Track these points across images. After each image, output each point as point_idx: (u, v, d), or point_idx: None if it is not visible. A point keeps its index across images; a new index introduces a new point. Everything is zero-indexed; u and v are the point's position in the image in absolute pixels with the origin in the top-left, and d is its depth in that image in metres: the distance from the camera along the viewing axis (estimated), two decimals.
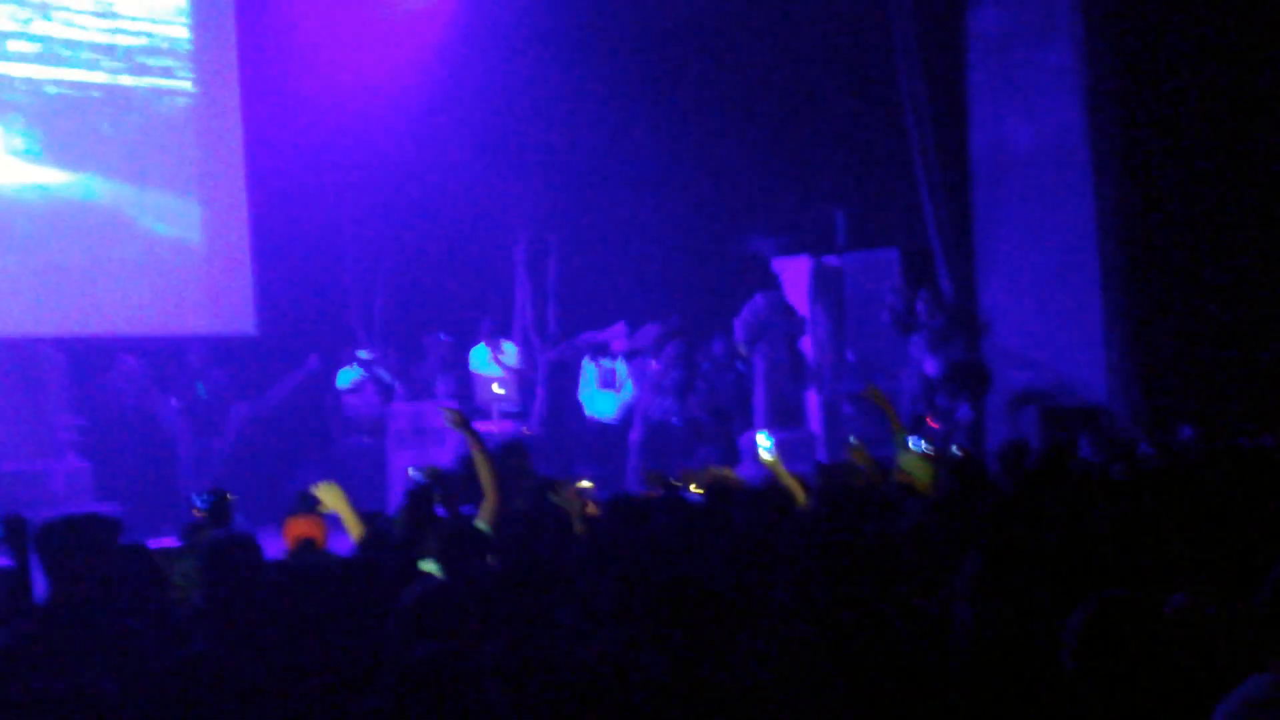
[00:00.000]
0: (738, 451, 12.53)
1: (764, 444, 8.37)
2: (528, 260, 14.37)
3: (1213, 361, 12.17)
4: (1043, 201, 12.80)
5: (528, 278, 14.35)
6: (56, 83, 11.98)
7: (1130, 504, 5.92)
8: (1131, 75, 12.28)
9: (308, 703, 3.50)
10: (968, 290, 13.21)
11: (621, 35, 14.01)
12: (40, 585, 4.23)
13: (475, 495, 6.48)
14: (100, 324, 11.92)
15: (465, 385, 13.16)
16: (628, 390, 13.36)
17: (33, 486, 10.50)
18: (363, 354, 12.90)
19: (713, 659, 3.90)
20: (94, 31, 12.20)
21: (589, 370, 13.60)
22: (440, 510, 6.31)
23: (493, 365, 13.30)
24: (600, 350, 13.58)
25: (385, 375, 12.84)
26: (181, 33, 12.68)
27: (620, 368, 13.46)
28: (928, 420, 11.96)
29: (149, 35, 12.49)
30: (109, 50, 12.25)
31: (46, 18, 11.97)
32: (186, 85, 12.67)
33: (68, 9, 12.08)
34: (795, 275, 13.90)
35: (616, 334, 13.54)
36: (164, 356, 12.28)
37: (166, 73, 12.59)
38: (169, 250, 12.47)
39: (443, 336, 13.27)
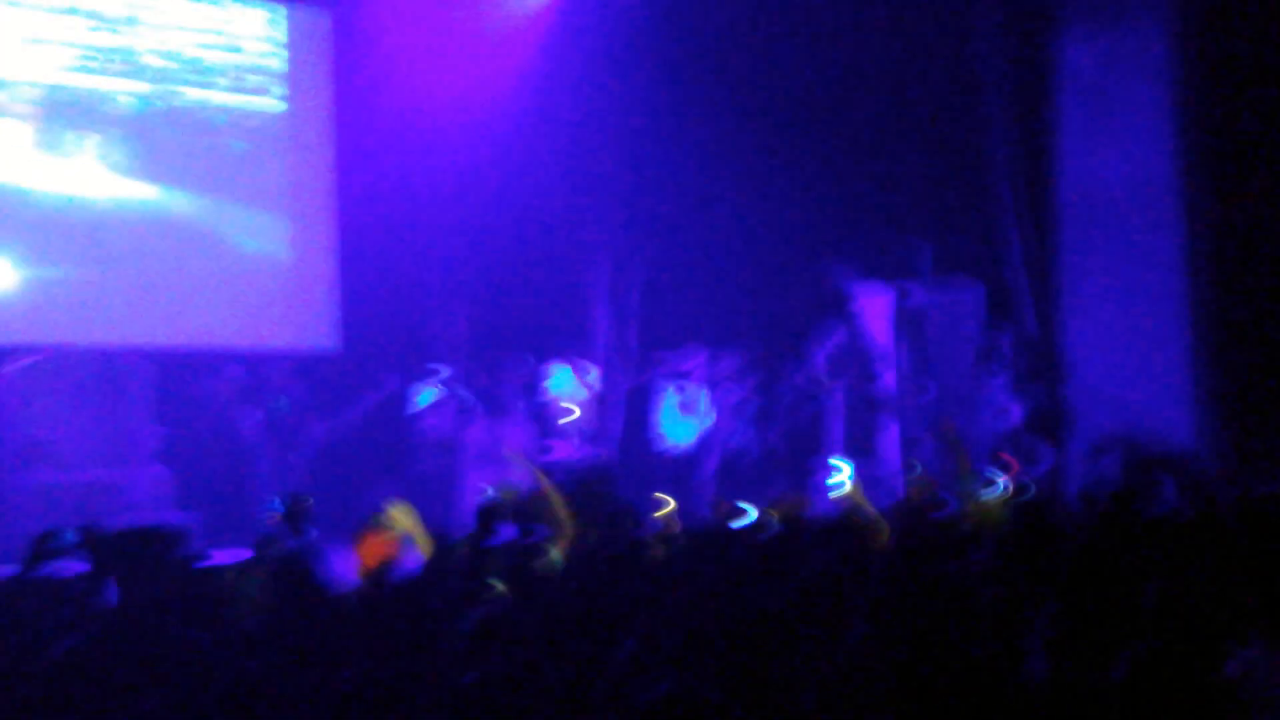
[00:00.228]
0: (814, 483, 12.43)
1: (843, 474, 8.33)
2: (609, 284, 14.38)
3: None
4: (1132, 239, 12.62)
5: (608, 302, 14.35)
6: (148, 98, 12.16)
7: (1209, 553, 5.79)
8: (1226, 111, 12.09)
9: None
10: (1052, 328, 13.05)
11: (708, 63, 14.00)
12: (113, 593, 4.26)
13: (549, 519, 6.47)
14: (185, 336, 12.08)
15: (543, 407, 13.18)
16: (708, 417, 13.31)
17: (115, 495, 10.67)
18: (443, 373, 12.95)
19: (780, 699, 3.85)
20: (188, 48, 12.38)
21: (669, 396, 13.56)
22: (511, 530, 6.29)
23: (572, 388, 13.31)
24: (681, 376, 13.54)
25: (465, 395, 12.88)
26: (275, 50, 12.84)
27: (702, 395, 13.41)
28: (1006, 461, 11.82)
29: (243, 52, 12.66)
30: (203, 67, 12.44)
31: (141, 35, 12.15)
32: (278, 103, 12.83)
33: (164, 27, 12.27)
34: (877, 307, 13.80)
35: (697, 361, 13.49)
36: (248, 370, 12.39)
37: (259, 90, 12.75)
38: (255, 265, 12.62)
39: (524, 358, 13.30)
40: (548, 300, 14.15)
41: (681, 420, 13.46)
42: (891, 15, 13.64)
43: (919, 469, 9.49)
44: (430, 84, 13.01)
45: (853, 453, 12.40)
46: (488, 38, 13.59)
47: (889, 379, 13.44)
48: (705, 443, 13.18)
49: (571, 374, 13.37)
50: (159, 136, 12.19)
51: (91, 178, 11.88)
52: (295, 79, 12.91)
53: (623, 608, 4.27)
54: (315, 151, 12.94)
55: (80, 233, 11.78)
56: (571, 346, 13.61)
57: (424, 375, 12.99)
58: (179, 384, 11.97)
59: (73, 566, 4.59)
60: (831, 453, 12.72)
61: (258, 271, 12.66)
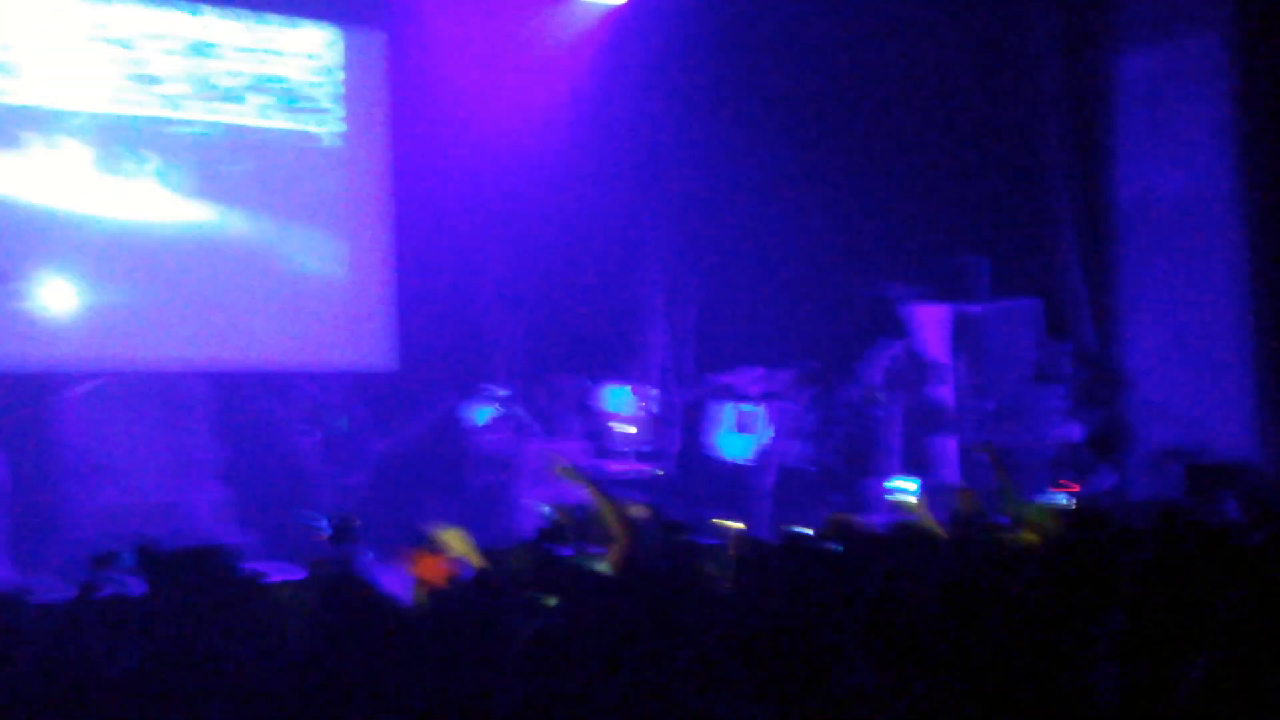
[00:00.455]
0: (869, 499, 12.39)
1: (908, 489, 8.31)
2: (665, 301, 14.39)
3: None
4: (1191, 252, 12.52)
5: (664, 318, 14.36)
6: (207, 121, 12.28)
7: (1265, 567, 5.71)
8: None
9: None
10: (1111, 342, 12.94)
11: (756, 79, 13.99)
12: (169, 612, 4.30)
13: (604, 537, 6.47)
14: (245, 357, 12.17)
15: (599, 426, 13.19)
16: (765, 434, 13.29)
17: (176, 516, 10.75)
18: (500, 392, 12.99)
19: (836, 715, 3.82)
20: (246, 71, 12.49)
21: (726, 412, 13.55)
22: (567, 550, 6.30)
23: (628, 406, 13.32)
24: (737, 394, 13.53)
25: (521, 414, 12.91)
26: (332, 71, 12.94)
27: (757, 411, 13.39)
28: (1063, 482, 11.73)
29: (300, 75, 12.77)
30: (261, 89, 12.55)
31: (199, 58, 12.28)
32: (336, 125, 12.92)
33: (222, 50, 12.39)
34: (934, 323, 13.74)
35: (752, 377, 13.48)
36: (307, 390, 12.47)
37: (317, 112, 12.85)
38: (313, 285, 12.71)
39: (579, 377, 13.32)
40: (603, 319, 14.17)
41: (738, 437, 13.44)
42: (949, 33, 13.61)
43: (965, 485, 9.43)
44: (485, 103, 13.08)
45: (909, 468, 12.35)
46: (542, 57, 13.65)
47: (946, 394, 13.38)
48: (762, 459, 13.16)
49: (627, 392, 13.39)
50: (217, 159, 12.30)
51: (151, 201, 12.00)
52: (351, 100, 13.01)
53: (677, 623, 4.26)
54: (372, 172, 13.03)
55: (141, 256, 11.90)
56: (627, 365, 13.64)
57: (481, 394, 13.03)
58: (239, 405, 12.05)
59: (131, 587, 4.62)
60: (887, 468, 12.67)
61: (316, 292, 12.75)
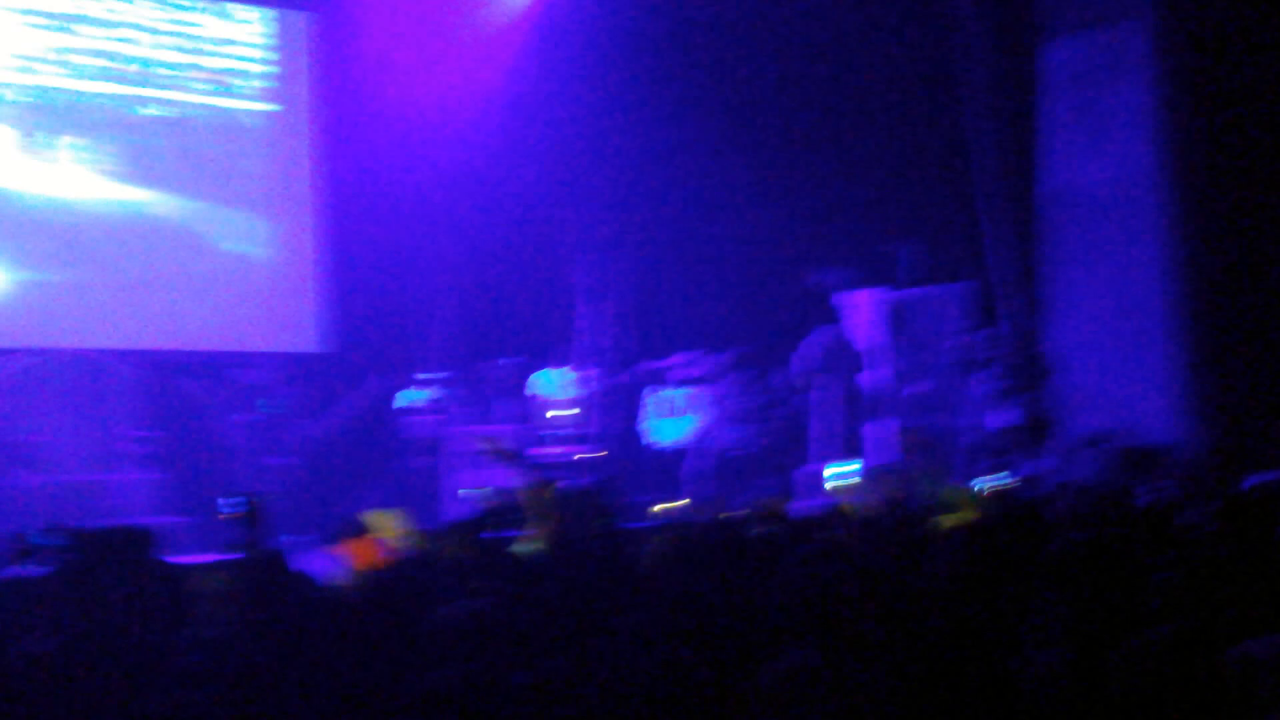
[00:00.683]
0: (791, 484, 12.45)
1: (849, 472, 8.34)
2: (594, 285, 14.38)
3: None
4: (1112, 240, 12.66)
5: (591, 303, 14.36)
6: (135, 101, 12.16)
7: (1198, 545, 5.80)
8: (1207, 113, 12.12)
9: None
10: (1032, 329, 13.07)
11: (690, 65, 14.02)
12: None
13: (530, 516, 6.46)
14: (168, 338, 12.06)
15: (525, 409, 13.18)
16: (698, 418, 13.32)
17: (100, 497, 10.64)
18: (423, 375, 12.93)
19: (761, 696, 3.83)
20: (174, 53, 12.37)
21: (653, 398, 13.57)
22: (509, 532, 6.29)
23: (559, 389, 13.31)
24: (664, 378, 13.55)
25: (450, 396, 12.86)
26: (261, 53, 12.83)
27: (680, 396, 13.42)
28: (991, 461, 11.84)
29: (228, 57, 12.66)
30: (188, 71, 12.44)
31: (125, 38, 12.14)
32: (262, 106, 12.82)
33: (149, 30, 12.26)
34: (862, 308, 13.82)
35: (686, 361, 13.50)
36: (233, 372, 12.37)
37: (243, 93, 12.76)
38: (238, 267, 12.62)
39: (501, 362, 13.28)
40: (534, 301, 14.17)
41: (672, 421, 13.47)
42: (876, 21, 13.67)
43: (899, 469, 9.50)
44: (415, 85, 13.02)
45: (839, 451, 12.42)
46: (473, 38, 13.61)
47: (875, 378, 13.46)
48: (695, 443, 13.19)
49: (558, 375, 13.37)
50: (143, 139, 12.19)
51: (76, 181, 11.87)
52: (280, 81, 12.92)
53: (605, 603, 4.26)
54: (300, 153, 12.95)
55: (65, 236, 11.77)
56: (561, 349, 13.63)
57: (410, 376, 12.97)
58: (166, 387, 11.94)
59: (44, 567, 4.57)
60: (823, 452, 12.73)
61: (243, 274, 12.66)
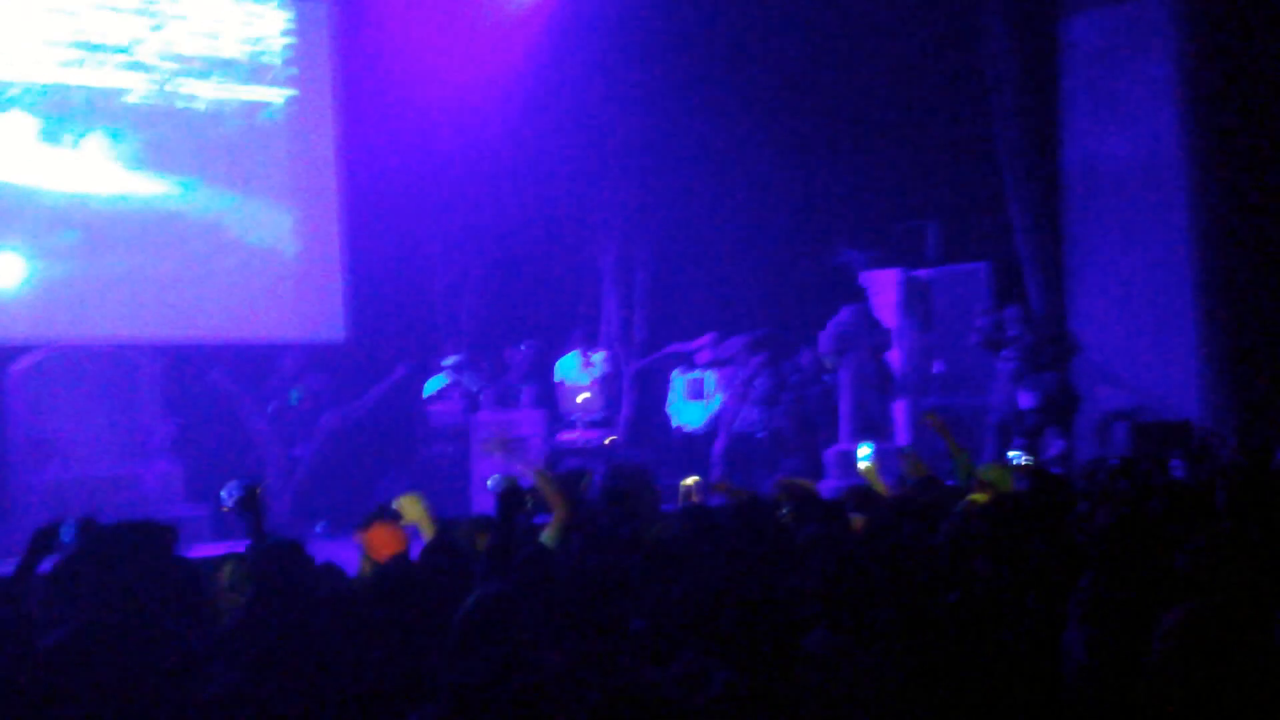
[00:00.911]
0: (822, 464, 12.43)
1: (863, 454, 8.34)
2: (615, 270, 14.38)
3: None
4: (1136, 215, 12.60)
5: (615, 287, 14.35)
6: (158, 93, 12.17)
7: (1219, 519, 5.78)
8: (1230, 86, 12.03)
9: (352, 715, 3.50)
10: (1058, 305, 13.01)
11: (713, 47, 13.98)
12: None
13: (546, 504, 6.46)
14: (194, 330, 12.09)
15: (550, 394, 13.18)
16: (715, 401, 13.31)
17: (125, 490, 10.64)
18: (449, 361, 12.94)
19: (784, 679, 3.82)
20: (195, 43, 12.37)
21: (676, 381, 13.57)
22: (534, 519, 6.29)
23: (580, 374, 13.31)
24: (687, 361, 13.55)
25: (471, 383, 12.87)
26: (281, 44, 12.83)
27: (708, 378, 13.41)
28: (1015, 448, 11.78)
29: (249, 47, 12.66)
30: (209, 62, 12.43)
31: (143, 28, 12.15)
32: (282, 96, 12.82)
33: (167, 20, 12.26)
34: (884, 288, 13.79)
35: (704, 344, 13.49)
36: (258, 362, 12.39)
37: (264, 84, 12.75)
38: (262, 258, 12.63)
39: (523, 348, 13.27)
40: (555, 287, 14.17)
41: (690, 402, 13.46)
42: (898, 1, 13.63)
43: (916, 449, 9.47)
44: (435, 73, 13.01)
45: (859, 432, 12.40)
46: (493, 25, 13.57)
47: (897, 357, 13.43)
48: (713, 425, 13.18)
49: (579, 359, 13.37)
50: (163, 130, 12.19)
51: (97, 173, 11.89)
52: (302, 71, 12.90)
53: (624, 587, 4.25)
54: (323, 143, 12.94)
55: (87, 228, 11.80)
56: (579, 332, 13.62)
57: (432, 363, 12.98)
58: (188, 378, 11.96)
59: (69, 560, 4.59)
60: (848, 430, 12.71)
61: (264, 264, 12.67)
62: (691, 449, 13.15)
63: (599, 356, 13.50)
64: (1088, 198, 12.98)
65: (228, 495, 5.57)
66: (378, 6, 13.12)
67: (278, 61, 12.84)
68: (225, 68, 12.54)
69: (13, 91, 11.55)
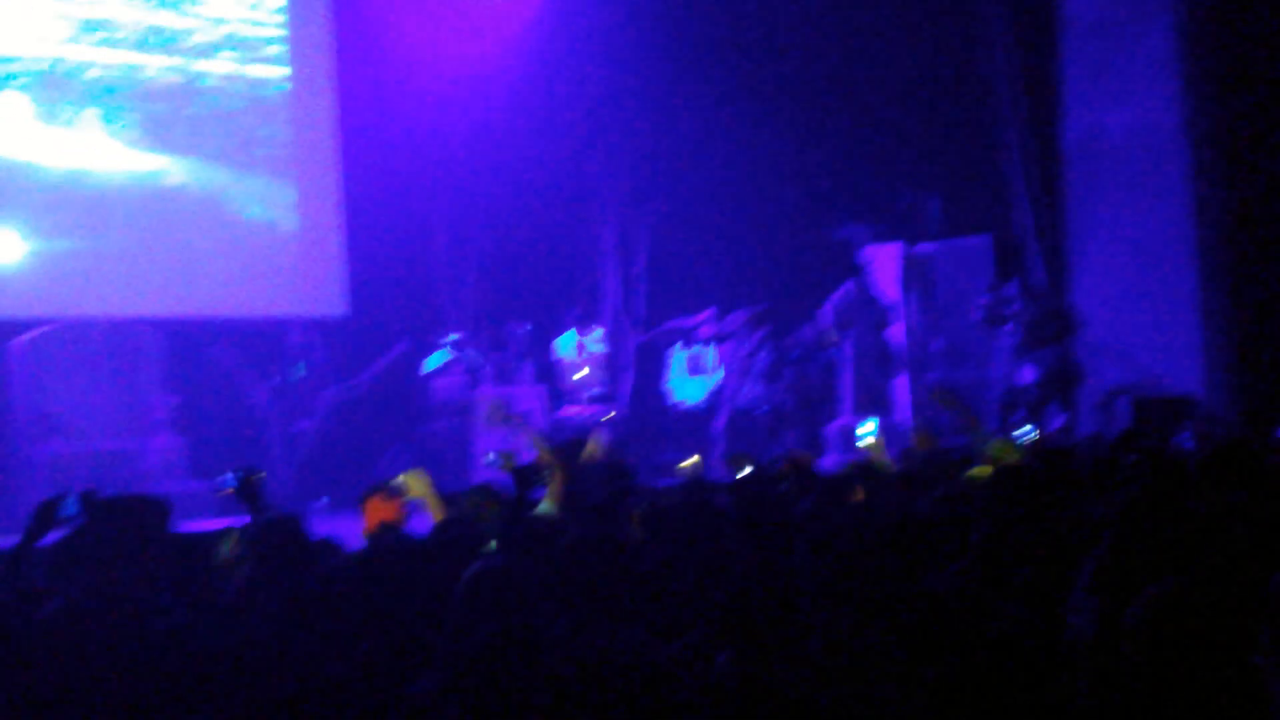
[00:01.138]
0: (823, 439, 12.43)
1: (866, 429, 8.34)
2: (616, 245, 14.36)
3: None
4: (1138, 189, 12.57)
5: (616, 262, 14.34)
6: (156, 68, 12.14)
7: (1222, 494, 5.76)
8: (1231, 60, 12.00)
9: (356, 685, 3.49)
10: (1059, 279, 12.99)
11: (713, 21, 13.94)
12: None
13: (545, 478, 6.46)
14: (196, 305, 12.09)
15: (550, 370, 13.19)
16: (716, 376, 13.31)
17: (127, 465, 10.67)
18: (451, 337, 12.94)
19: (789, 652, 3.81)
20: (194, 18, 12.34)
21: (677, 356, 13.57)
22: (539, 492, 6.30)
23: (581, 350, 13.31)
24: (688, 336, 13.54)
25: (473, 359, 12.88)
26: (279, 18, 12.80)
27: (709, 353, 13.40)
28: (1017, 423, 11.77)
29: (245, 20, 12.63)
30: (208, 36, 12.40)
31: (141, 5, 12.12)
32: (283, 70, 12.80)
33: None
34: (886, 262, 13.77)
35: (704, 319, 13.48)
36: (259, 338, 12.40)
37: (264, 58, 12.72)
38: (263, 233, 12.63)
39: (523, 325, 13.27)
40: (555, 262, 14.15)
41: (690, 378, 13.46)
42: None
43: (920, 424, 9.48)
44: (436, 49, 12.99)
45: (861, 407, 12.40)
46: (491, 2, 13.54)
47: (898, 332, 13.42)
48: (714, 399, 13.18)
49: (579, 335, 13.37)
50: (163, 106, 12.17)
51: (96, 149, 11.87)
52: (300, 46, 12.87)
53: (621, 562, 4.24)
54: (320, 119, 12.91)
55: (87, 205, 11.78)
56: (580, 308, 13.61)
57: (433, 339, 12.98)
58: (189, 353, 11.97)
59: (66, 535, 4.60)
60: (848, 406, 12.71)
61: (265, 239, 12.66)
62: (691, 425, 13.15)
63: (596, 334, 13.50)
64: (1088, 172, 12.95)
65: (224, 485, 5.57)
66: None
67: (277, 36, 12.81)
68: (226, 44, 12.50)
69: (12, 68, 11.53)
